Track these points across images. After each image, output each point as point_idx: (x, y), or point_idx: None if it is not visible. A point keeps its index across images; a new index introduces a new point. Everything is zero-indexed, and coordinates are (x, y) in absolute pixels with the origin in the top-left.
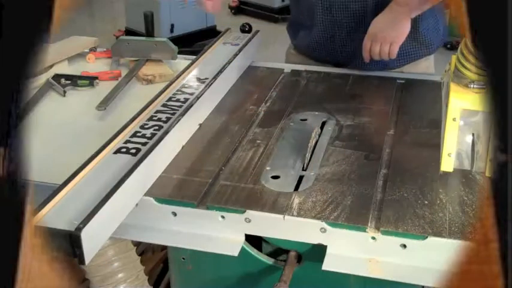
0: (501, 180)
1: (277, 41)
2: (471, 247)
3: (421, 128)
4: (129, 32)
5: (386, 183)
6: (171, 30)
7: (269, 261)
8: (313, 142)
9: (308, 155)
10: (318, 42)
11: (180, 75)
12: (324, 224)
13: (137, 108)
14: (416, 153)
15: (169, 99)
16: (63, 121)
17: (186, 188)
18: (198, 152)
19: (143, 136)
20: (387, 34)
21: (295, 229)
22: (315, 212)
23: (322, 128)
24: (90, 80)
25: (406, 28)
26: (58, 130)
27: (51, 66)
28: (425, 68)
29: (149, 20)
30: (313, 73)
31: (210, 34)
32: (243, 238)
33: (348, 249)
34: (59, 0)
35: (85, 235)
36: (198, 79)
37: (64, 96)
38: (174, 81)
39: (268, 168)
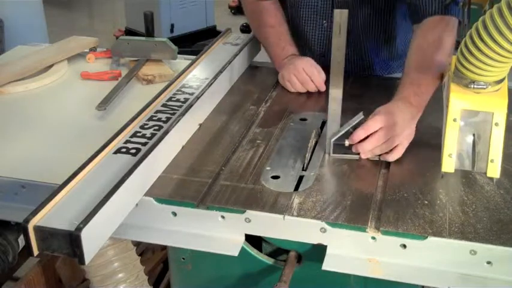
0: None
1: None
2: None
3: (421, 128)
4: (129, 32)
5: (387, 183)
6: (171, 30)
7: (269, 261)
8: (313, 142)
9: (308, 155)
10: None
11: (180, 75)
12: (324, 224)
13: (137, 108)
14: (416, 153)
15: (169, 99)
16: (63, 121)
17: (186, 188)
18: (198, 152)
19: (143, 136)
20: (401, 131)
21: (295, 229)
22: (315, 212)
23: (322, 128)
24: None
25: (413, 133)
26: (58, 130)
27: (51, 66)
28: None
29: (149, 20)
30: None
31: (210, 34)
32: (243, 238)
33: (348, 249)
34: None
35: (85, 235)
36: (198, 79)
37: None
38: (174, 81)
39: (268, 168)
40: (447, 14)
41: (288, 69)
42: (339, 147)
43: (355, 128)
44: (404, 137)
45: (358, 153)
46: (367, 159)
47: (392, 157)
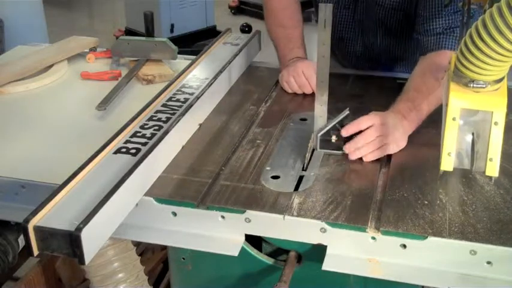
0: None
1: None
2: None
3: (421, 128)
4: (129, 32)
5: (386, 183)
6: (171, 30)
7: (269, 261)
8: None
9: (308, 155)
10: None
11: (180, 75)
12: (324, 224)
13: (137, 108)
14: (416, 153)
15: (169, 99)
16: (63, 121)
17: (186, 188)
18: (198, 152)
19: (143, 136)
20: (388, 133)
21: (295, 229)
22: (315, 212)
23: None
24: None
25: (404, 142)
26: (58, 130)
27: (51, 66)
28: None
29: (149, 20)
30: None
31: (210, 34)
32: (243, 238)
33: (348, 249)
34: None
35: (85, 235)
36: (198, 79)
37: None
38: (174, 81)
39: (268, 168)
40: (445, 49)
41: (288, 70)
42: (326, 142)
43: (341, 123)
44: (393, 140)
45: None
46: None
47: (367, 157)
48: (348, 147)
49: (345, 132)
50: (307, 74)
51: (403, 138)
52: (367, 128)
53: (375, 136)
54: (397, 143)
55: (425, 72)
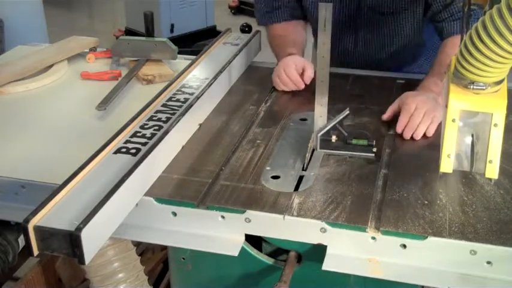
0: None
1: None
2: None
3: None
4: (129, 32)
5: (386, 183)
6: (171, 30)
7: (269, 261)
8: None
9: (308, 155)
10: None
11: (180, 75)
12: (324, 224)
13: (137, 108)
14: (416, 153)
15: (169, 99)
16: (63, 121)
17: (186, 188)
18: (198, 152)
19: (143, 136)
20: (430, 106)
21: (295, 229)
22: (315, 212)
23: None
24: None
25: (441, 112)
26: (58, 130)
27: (51, 66)
28: None
29: (149, 20)
30: None
31: (210, 34)
32: (243, 238)
33: (348, 249)
34: None
35: (85, 235)
36: (198, 79)
37: None
38: (174, 81)
39: (268, 168)
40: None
41: (275, 72)
42: (326, 142)
43: (341, 123)
44: (435, 111)
45: (346, 150)
46: (367, 159)
47: (429, 131)
48: (406, 133)
49: (398, 129)
50: (286, 70)
51: (438, 108)
52: (413, 112)
53: (422, 115)
54: (439, 116)
55: (449, 50)
